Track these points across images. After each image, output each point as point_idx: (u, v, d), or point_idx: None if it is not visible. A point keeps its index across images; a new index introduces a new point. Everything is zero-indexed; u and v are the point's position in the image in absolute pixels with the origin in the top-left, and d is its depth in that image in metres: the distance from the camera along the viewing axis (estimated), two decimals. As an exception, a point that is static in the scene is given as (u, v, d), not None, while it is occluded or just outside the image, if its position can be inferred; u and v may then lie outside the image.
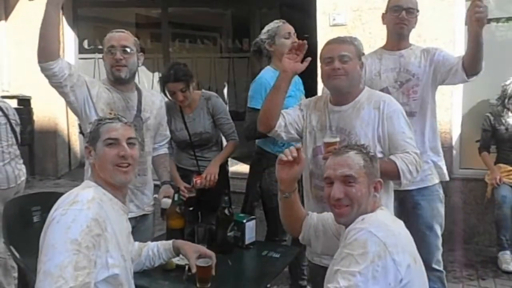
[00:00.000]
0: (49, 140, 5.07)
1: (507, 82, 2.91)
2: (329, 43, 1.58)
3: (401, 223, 1.21)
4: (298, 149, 1.34)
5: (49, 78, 1.66)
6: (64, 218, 1.11)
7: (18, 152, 2.52)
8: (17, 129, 2.55)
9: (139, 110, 1.84)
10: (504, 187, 2.82)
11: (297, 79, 2.22)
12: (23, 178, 2.52)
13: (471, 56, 1.78)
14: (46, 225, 1.16)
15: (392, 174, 1.44)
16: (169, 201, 1.84)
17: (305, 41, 1.56)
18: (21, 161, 2.55)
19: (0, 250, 2.37)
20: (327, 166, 1.23)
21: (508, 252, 2.76)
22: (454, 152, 3.22)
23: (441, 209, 1.98)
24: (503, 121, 2.92)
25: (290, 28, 2.20)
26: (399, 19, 1.90)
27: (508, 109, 2.91)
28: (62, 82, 1.67)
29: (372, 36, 3.09)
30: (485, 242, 3.10)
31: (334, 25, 3.28)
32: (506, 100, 2.90)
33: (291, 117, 1.64)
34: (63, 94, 1.72)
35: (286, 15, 5.29)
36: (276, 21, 2.24)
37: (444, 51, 1.98)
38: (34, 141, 5.03)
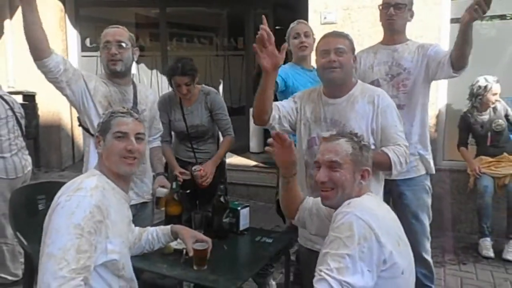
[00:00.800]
0: (53, 134, 5.22)
1: (474, 83, 3.04)
2: (325, 36, 1.61)
3: (386, 207, 1.25)
4: (276, 134, 1.37)
5: (46, 74, 1.68)
6: (68, 204, 1.14)
7: (24, 143, 2.62)
8: (22, 122, 2.64)
9: (135, 103, 1.89)
10: (486, 177, 2.96)
11: (314, 72, 2.17)
12: (29, 168, 2.62)
13: (459, 51, 1.79)
14: (50, 210, 1.19)
15: (384, 165, 1.50)
16: (164, 190, 1.92)
17: (265, 32, 1.42)
18: (27, 152, 2.65)
19: (8, 236, 2.49)
20: (319, 151, 1.29)
21: (488, 239, 2.90)
22: (438, 144, 3.36)
23: (427, 199, 2.01)
24: (477, 119, 3.05)
25: (301, 28, 2.32)
26: (388, 15, 1.97)
27: (476, 108, 3.04)
28: (58, 77, 1.68)
29: (361, 34, 3.19)
30: (466, 230, 3.24)
31: (325, 23, 3.39)
32: (473, 99, 3.04)
33: (285, 109, 1.66)
34: (60, 88, 1.74)
35: (280, 14, 5.42)
36: (294, 22, 2.39)
37: (438, 46, 2.00)
38: (39, 135, 5.14)
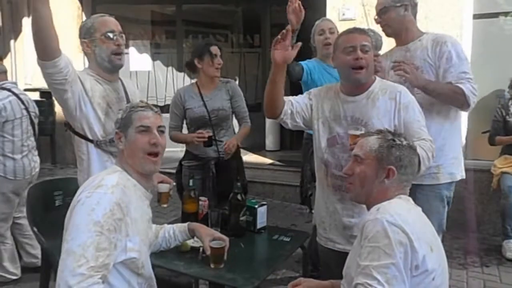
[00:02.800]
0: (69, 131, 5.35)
1: None
2: (350, 32, 1.55)
3: (418, 210, 1.21)
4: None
5: (52, 76, 1.50)
6: (89, 201, 1.14)
7: (34, 144, 2.64)
8: (36, 121, 2.66)
9: (127, 100, 1.72)
10: (510, 177, 2.87)
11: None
12: (37, 169, 2.65)
13: (445, 102, 1.77)
14: (72, 206, 1.19)
15: None
16: (166, 185, 1.83)
17: (288, 30, 1.50)
18: (36, 152, 2.67)
19: (6, 236, 2.54)
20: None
21: (512, 240, 2.82)
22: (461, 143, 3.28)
23: (441, 208, 1.84)
24: None
25: (325, 25, 2.32)
26: (378, 22, 1.92)
27: None
28: (67, 78, 1.51)
29: (380, 30, 3.14)
30: (489, 231, 3.16)
31: (343, 20, 3.35)
32: None
33: (299, 105, 1.63)
34: (61, 91, 1.54)
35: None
36: (319, 19, 2.40)
37: (451, 55, 1.78)
38: (55, 131, 5.27)
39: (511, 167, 2.93)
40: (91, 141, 1.63)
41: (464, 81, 1.74)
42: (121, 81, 1.77)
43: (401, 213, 1.11)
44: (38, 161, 2.69)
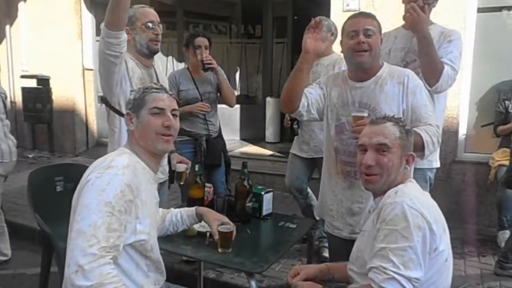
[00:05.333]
0: (67, 119, 5.26)
1: None
2: (354, 16, 1.56)
3: (428, 195, 1.22)
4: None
5: (112, 46, 1.62)
6: (99, 181, 1.11)
7: (8, 122, 2.58)
8: (6, 102, 2.59)
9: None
10: (507, 170, 2.93)
11: None
12: (15, 151, 2.59)
13: (422, 66, 1.76)
14: (80, 187, 1.16)
15: (417, 146, 1.42)
16: (184, 165, 1.91)
17: (321, 19, 1.56)
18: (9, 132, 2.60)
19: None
20: (363, 134, 1.26)
21: (507, 231, 2.85)
22: (460, 136, 3.31)
23: (425, 189, 1.82)
24: None
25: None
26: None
27: None
28: (122, 52, 1.66)
29: (384, 21, 3.13)
30: (484, 223, 3.21)
31: (347, 11, 3.35)
32: None
33: (313, 96, 1.63)
34: (112, 64, 1.67)
35: (298, 2, 5.35)
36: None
37: (454, 42, 1.84)
38: (53, 120, 5.23)
39: (508, 160, 2.97)
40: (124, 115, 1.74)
41: (448, 63, 1.77)
42: (154, 68, 1.93)
43: (419, 197, 1.13)
44: (15, 140, 2.62)
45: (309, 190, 2.69)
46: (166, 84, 2.00)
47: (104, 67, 1.71)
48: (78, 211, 1.10)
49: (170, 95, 1.31)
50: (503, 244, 2.83)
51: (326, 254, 2.49)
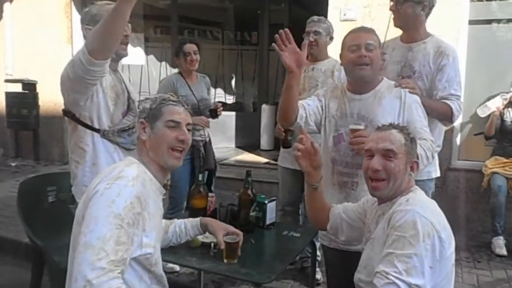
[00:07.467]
0: (55, 125, 5.02)
1: None
2: (355, 31, 1.58)
3: (435, 202, 1.22)
4: (304, 136, 1.39)
5: (95, 73, 1.41)
6: (108, 192, 1.09)
7: None
8: None
9: (128, 91, 1.69)
10: (500, 177, 3.00)
11: None
12: None
13: (433, 116, 1.78)
14: (87, 197, 1.13)
15: None
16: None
17: (287, 30, 1.48)
18: None
19: None
20: (370, 139, 1.28)
21: (501, 237, 2.94)
22: (454, 144, 3.40)
23: None
24: (510, 114, 3.08)
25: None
26: (392, 10, 1.88)
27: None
28: (105, 74, 1.48)
29: (381, 32, 3.20)
30: (478, 229, 3.28)
31: (345, 20, 3.41)
32: None
33: (311, 108, 1.65)
34: (90, 85, 1.47)
35: (294, 10, 5.40)
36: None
37: (453, 65, 1.81)
38: (39, 125, 5.00)
39: (501, 167, 3.05)
40: (98, 131, 1.58)
41: (453, 99, 1.80)
42: (119, 72, 1.73)
43: (429, 205, 1.15)
44: None
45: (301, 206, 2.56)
46: (130, 90, 1.75)
47: (77, 90, 1.49)
48: (85, 223, 1.08)
49: (186, 108, 1.30)
50: (497, 250, 2.91)
51: (318, 275, 2.42)
